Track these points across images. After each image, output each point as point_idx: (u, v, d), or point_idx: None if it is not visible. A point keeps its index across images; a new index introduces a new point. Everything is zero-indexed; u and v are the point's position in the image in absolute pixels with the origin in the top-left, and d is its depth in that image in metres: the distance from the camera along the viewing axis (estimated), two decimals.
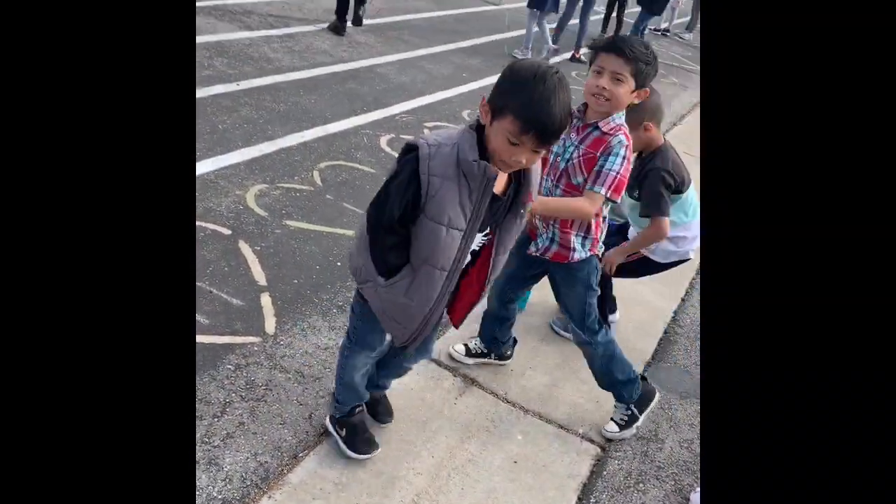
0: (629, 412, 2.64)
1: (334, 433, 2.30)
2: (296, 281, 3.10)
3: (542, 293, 3.47)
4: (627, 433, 2.65)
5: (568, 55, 8.48)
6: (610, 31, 10.02)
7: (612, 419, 2.67)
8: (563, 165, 2.31)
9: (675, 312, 3.66)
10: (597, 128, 2.24)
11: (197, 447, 2.17)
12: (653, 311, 3.63)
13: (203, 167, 3.78)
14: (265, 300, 2.91)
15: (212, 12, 6.39)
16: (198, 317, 2.69)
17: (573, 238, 2.40)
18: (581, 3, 8.45)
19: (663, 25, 12.12)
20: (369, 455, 2.27)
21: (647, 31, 9.06)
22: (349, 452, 2.26)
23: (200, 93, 4.69)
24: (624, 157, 2.22)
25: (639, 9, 9.24)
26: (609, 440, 2.64)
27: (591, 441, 2.64)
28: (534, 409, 2.72)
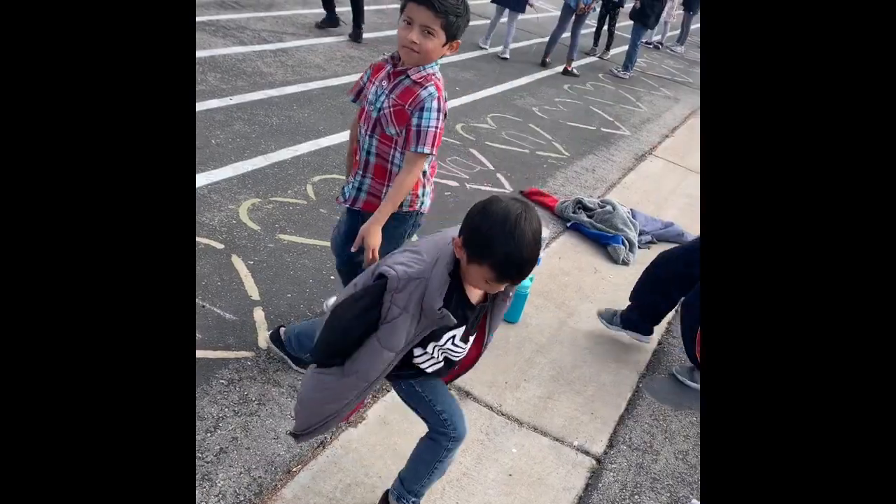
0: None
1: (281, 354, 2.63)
2: (289, 295, 3.10)
3: (537, 308, 3.47)
4: None
5: (560, 68, 8.53)
6: (601, 45, 10.09)
7: None
8: (375, 115, 2.27)
9: (670, 322, 3.66)
10: (407, 76, 2.21)
11: None
12: None
13: (196, 181, 3.78)
14: (258, 314, 2.91)
15: (205, 28, 6.42)
16: None
17: (386, 189, 2.35)
18: (573, 17, 8.52)
19: (655, 39, 12.21)
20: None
21: (639, 45, 9.12)
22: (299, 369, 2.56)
23: None
24: (438, 110, 2.20)
25: (630, 22, 9.32)
26: None
27: (587, 453, 2.64)
28: (528, 421, 2.72)
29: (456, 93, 6.61)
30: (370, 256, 2.30)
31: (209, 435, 2.27)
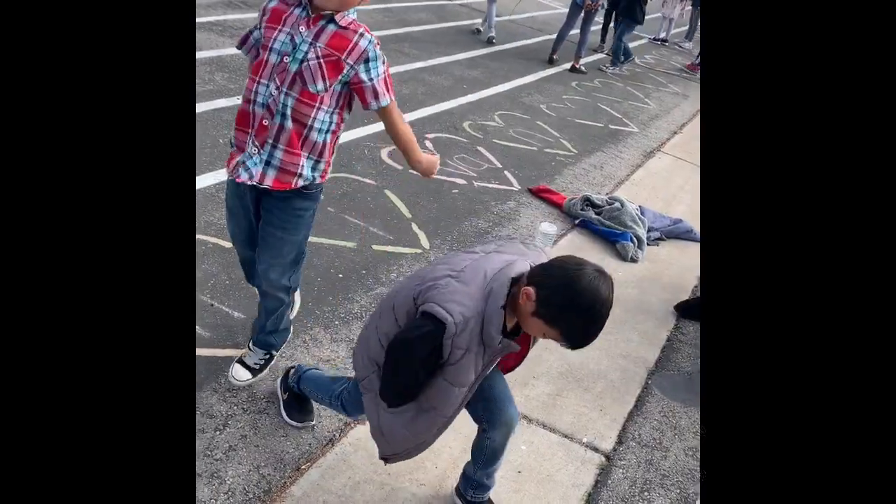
0: (267, 357, 2.52)
1: (279, 393, 2.41)
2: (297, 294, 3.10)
3: None
4: (257, 378, 2.48)
5: (567, 65, 8.52)
6: (608, 42, 10.06)
7: (242, 363, 2.45)
8: (295, 67, 1.93)
9: (678, 320, 3.65)
10: (333, 21, 1.94)
11: (199, 460, 2.16)
12: (656, 319, 3.62)
13: (204, 181, 3.79)
14: None
15: (213, 28, 6.44)
16: (199, 329, 2.69)
17: (303, 160, 2.04)
18: (582, 15, 8.50)
19: (661, 35, 12.16)
20: (304, 424, 2.36)
21: (625, 40, 9.04)
22: (285, 418, 2.37)
23: (202, 107, 4.71)
24: (382, 58, 2.00)
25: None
26: (238, 388, 2.45)
27: (596, 450, 2.63)
28: (538, 418, 2.71)
29: (463, 90, 6.60)
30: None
31: (218, 433, 2.28)
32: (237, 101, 4.98)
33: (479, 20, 9.26)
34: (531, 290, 1.61)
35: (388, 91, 2.04)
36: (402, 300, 1.77)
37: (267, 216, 2.15)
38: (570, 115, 6.76)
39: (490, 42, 8.64)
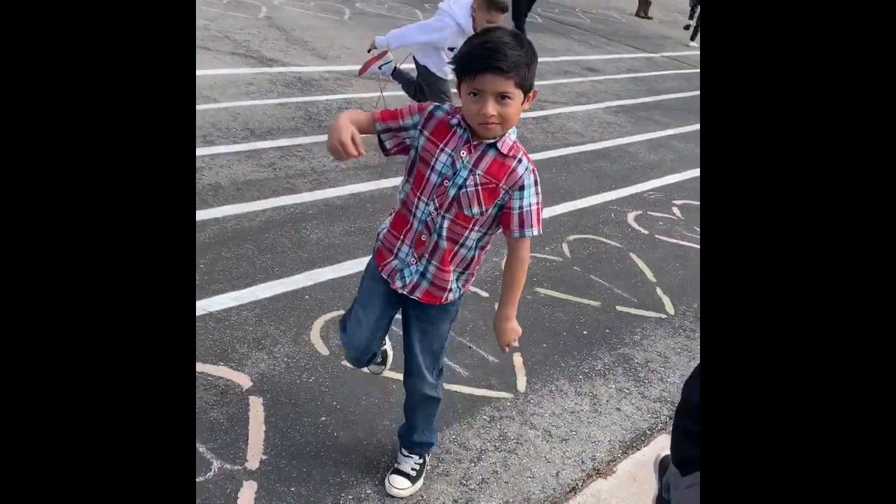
0: (422, 461, 2.38)
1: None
2: (544, 345, 3.28)
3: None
4: (418, 485, 2.36)
5: None
6: None
7: (399, 471, 2.35)
8: (453, 192, 1.93)
9: None
10: (494, 147, 1.92)
11: (455, 487, 2.39)
12: None
13: None
14: (517, 360, 3.12)
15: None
16: (459, 368, 2.97)
17: (452, 276, 2.06)
18: None
19: None
20: None
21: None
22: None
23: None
24: (536, 183, 1.96)
25: None
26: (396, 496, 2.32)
27: None
28: None
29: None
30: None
31: (473, 465, 2.49)
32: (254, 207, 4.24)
33: None
34: None
35: (535, 223, 2.00)
36: None
37: (410, 316, 2.19)
38: None
39: None
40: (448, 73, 4.85)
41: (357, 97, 6.06)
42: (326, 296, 3.29)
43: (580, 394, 2.98)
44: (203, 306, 3.01)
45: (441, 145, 1.94)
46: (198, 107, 4.98)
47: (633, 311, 3.72)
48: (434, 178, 1.95)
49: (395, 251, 2.08)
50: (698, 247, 4.54)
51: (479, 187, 1.92)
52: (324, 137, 4.49)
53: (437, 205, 1.96)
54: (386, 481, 2.33)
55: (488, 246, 2.12)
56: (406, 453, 2.37)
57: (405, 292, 2.09)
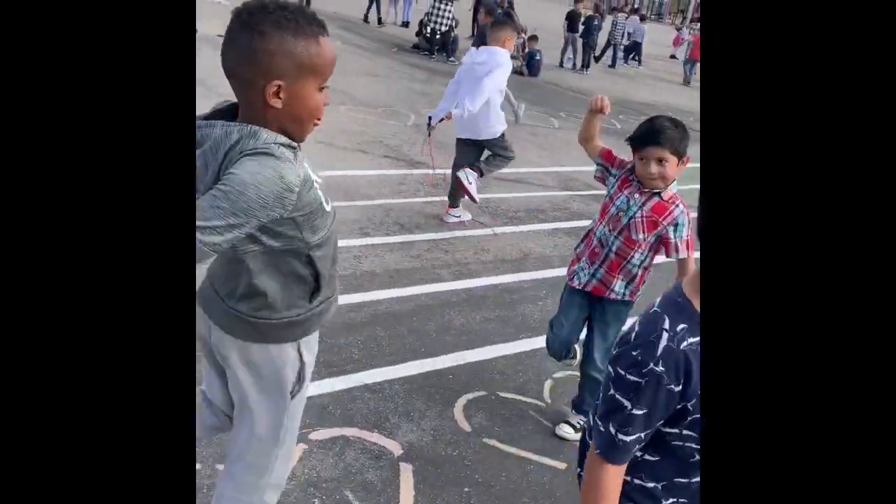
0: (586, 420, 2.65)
1: None
2: None
3: None
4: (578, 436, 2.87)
5: None
6: None
7: (568, 423, 3.17)
8: (625, 220, 2.79)
9: None
10: (659, 195, 2.75)
11: None
12: None
13: None
14: None
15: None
16: None
17: (617, 282, 2.88)
18: None
19: None
20: None
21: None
22: None
23: None
24: (689, 223, 2.74)
25: None
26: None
27: None
28: None
29: None
30: None
31: None
32: None
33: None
34: None
35: (687, 249, 2.76)
36: None
37: (592, 311, 3.03)
38: None
39: None
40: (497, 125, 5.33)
41: (494, 197, 6.45)
42: (469, 377, 3.50)
43: None
44: (360, 378, 3.30)
45: (623, 190, 2.83)
46: (355, 203, 5.53)
47: None
48: (613, 210, 2.83)
49: (580, 257, 2.99)
50: None
51: (644, 219, 2.77)
52: (469, 256, 4.83)
53: (611, 228, 2.85)
54: (556, 428, 3.16)
55: (651, 266, 2.90)
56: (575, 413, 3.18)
57: (581, 287, 2.95)
